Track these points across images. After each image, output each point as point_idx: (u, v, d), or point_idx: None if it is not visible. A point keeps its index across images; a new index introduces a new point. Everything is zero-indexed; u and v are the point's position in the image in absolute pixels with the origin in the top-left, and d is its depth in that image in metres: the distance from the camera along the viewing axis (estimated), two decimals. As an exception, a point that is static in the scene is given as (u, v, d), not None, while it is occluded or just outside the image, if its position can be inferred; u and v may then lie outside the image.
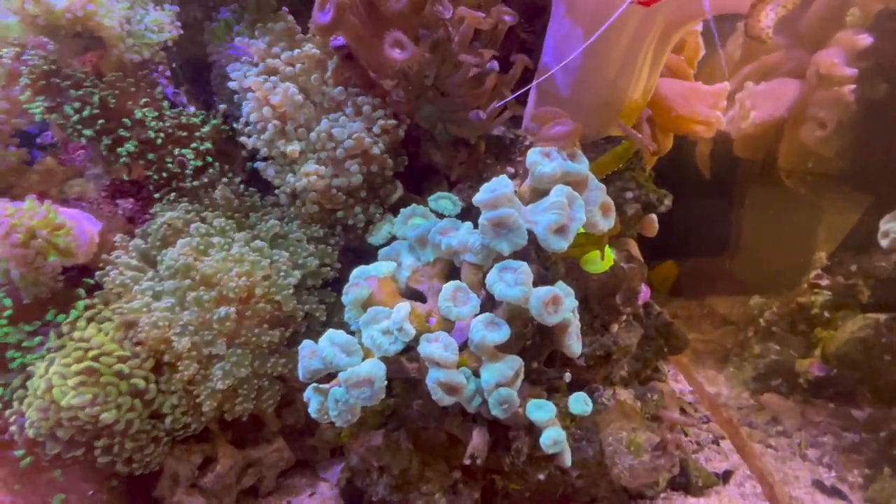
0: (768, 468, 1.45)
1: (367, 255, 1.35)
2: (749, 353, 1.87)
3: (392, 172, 1.35)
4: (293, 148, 1.19)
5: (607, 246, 1.18)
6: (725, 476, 1.44)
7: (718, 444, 1.58)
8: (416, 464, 1.26)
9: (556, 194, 1.01)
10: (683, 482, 1.40)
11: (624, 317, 1.41)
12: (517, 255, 1.04)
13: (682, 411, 1.78)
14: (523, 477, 1.27)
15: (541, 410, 1.04)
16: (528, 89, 1.30)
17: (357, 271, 1.16)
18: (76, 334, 1.08)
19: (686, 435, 1.62)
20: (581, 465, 1.25)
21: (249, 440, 1.33)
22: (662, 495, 1.37)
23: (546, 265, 1.10)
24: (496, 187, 1.02)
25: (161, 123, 1.21)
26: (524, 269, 1.00)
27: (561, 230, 1.01)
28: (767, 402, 1.71)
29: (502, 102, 1.17)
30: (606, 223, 1.10)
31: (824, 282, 1.74)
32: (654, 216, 1.45)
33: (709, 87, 1.52)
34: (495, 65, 1.13)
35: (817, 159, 1.78)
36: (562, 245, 1.01)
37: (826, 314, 1.70)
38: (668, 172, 1.56)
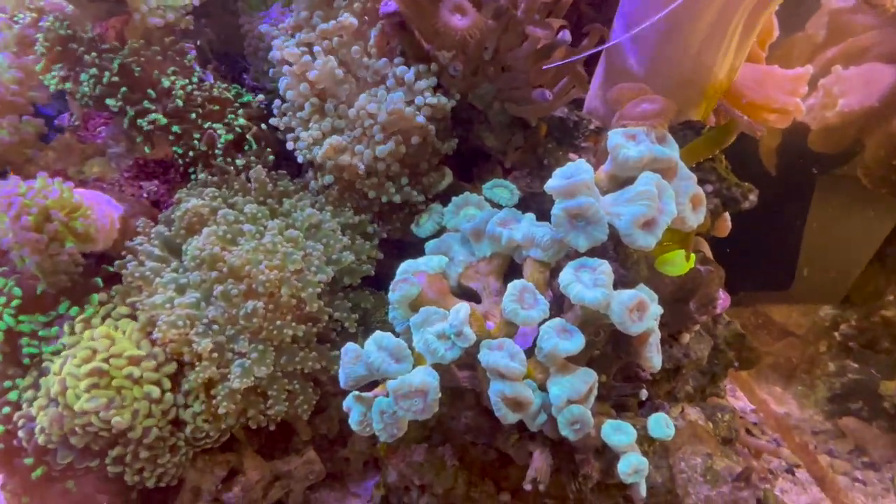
0: (858, 504, 1.27)
1: (410, 247, 1.22)
2: (822, 371, 1.68)
3: (438, 159, 1.21)
4: (310, 133, 1.06)
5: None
6: (808, 511, 1.27)
7: (794, 474, 1.41)
8: (461, 483, 1.13)
9: (643, 183, 0.86)
10: (760, 516, 1.23)
11: (697, 326, 1.25)
12: (593, 251, 0.90)
13: (748, 433, 1.61)
14: (582, 504, 1.12)
15: (620, 434, 0.89)
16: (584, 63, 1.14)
17: (405, 265, 1.03)
18: (86, 333, 0.97)
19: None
20: (649, 494, 1.09)
21: (278, 450, 1.21)
22: (737, 530, 1.20)
23: (626, 264, 0.95)
24: (573, 173, 0.88)
25: (192, 94, 1.09)
26: (605, 269, 0.86)
27: (649, 224, 0.86)
28: (847, 428, 1.53)
29: (552, 63, 0.99)
30: (696, 219, 0.94)
31: (915, 293, 1.54)
32: (727, 215, 1.29)
33: (787, 72, 1.35)
34: (567, 36, 0.99)
35: (908, 155, 1.58)
36: (649, 242, 0.86)
37: (918, 330, 1.51)
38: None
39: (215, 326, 1.01)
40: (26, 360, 1.01)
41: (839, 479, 1.35)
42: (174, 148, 1.08)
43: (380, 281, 1.25)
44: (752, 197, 1.21)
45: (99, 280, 1.01)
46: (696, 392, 1.36)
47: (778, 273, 2.01)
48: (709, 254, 1.29)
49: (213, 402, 1.00)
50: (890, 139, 1.57)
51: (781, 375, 1.84)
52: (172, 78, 1.09)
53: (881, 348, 1.58)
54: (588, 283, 0.85)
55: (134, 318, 1.01)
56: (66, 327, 0.97)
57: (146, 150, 1.09)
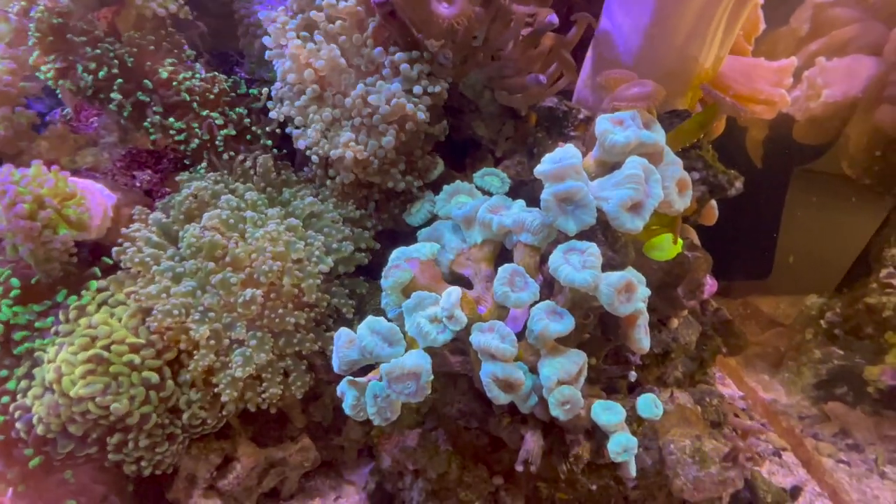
0: (842, 485, 1.30)
1: (402, 237, 1.23)
2: (808, 358, 1.71)
3: (431, 145, 1.22)
4: (315, 128, 1.06)
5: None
6: (794, 493, 1.29)
7: (780, 457, 1.44)
8: (454, 468, 1.14)
9: (630, 166, 0.88)
10: (748, 497, 1.26)
11: (685, 311, 1.27)
12: (582, 235, 0.91)
13: (736, 417, 1.64)
14: (573, 486, 1.14)
15: (610, 413, 0.91)
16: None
17: (397, 252, 1.04)
18: (83, 320, 0.98)
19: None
20: (638, 475, 1.11)
21: (272, 438, 1.22)
22: (725, 512, 1.23)
23: (615, 247, 0.97)
24: (562, 157, 0.89)
25: (193, 85, 1.09)
26: (593, 251, 0.87)
27: (636, 207, 0.88)
28: (833, 412, 1.56)
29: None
30: (682, 202, 0.96)
31: (897, 280, 1.58)
32: (714, 203, 1.32)
33: (773, 64, 1.38)
34: (554, 18, 1.00)
35: (890, 145, 1.62)
36: (636, 224, 0.88)
37: (901, 316, 1.54)
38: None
39: (211, 314, 1.01)
40: (19, 349, 1.01)
41: (825, 461, 1.38)
42: (177, 138, 1.08)
43: (372, 270, 1.26)
44: (738, 184, 1.23)
45: (97, 270, 1.02)
46: (685, 377, 1.38)
47: (756, 263, 2.05)
48: (696, 241, 1.31)
49: (215, 390, 1.01)
50: (873, 129, 1.60)
51: (769, 364, 1.87)
52: (171, 69, 1.09)
53: (865, 334, 1.62)
54: (577, 265, 0.87)
55: (128, 306, 1.01)
56: (61, 315, 0.97)
57: (151, 138, 1.08)
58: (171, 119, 1.10)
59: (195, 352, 1.00)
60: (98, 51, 1.04)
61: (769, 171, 1.88)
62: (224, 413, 1.07)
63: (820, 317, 1.76)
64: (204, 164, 1.12)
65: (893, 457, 1.39)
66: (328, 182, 1.18)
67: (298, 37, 1.08)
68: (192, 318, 0.99)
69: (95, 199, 1.00)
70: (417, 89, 1.07)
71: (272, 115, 1.15)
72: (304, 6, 1.11)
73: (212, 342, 0.99)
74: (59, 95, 1.23)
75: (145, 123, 1.08)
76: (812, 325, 1.77)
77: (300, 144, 1.14)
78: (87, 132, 1.16)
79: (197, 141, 1.10)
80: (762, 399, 1.68)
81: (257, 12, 1.20)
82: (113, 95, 1.06)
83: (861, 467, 1.37)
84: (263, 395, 1.05)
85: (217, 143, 1.14)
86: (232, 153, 1.16)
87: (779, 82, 1.35)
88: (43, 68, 1.04)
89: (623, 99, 0.90)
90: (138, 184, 1.11)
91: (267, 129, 1.22)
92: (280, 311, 1.05)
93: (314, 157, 1.14)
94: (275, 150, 1.25)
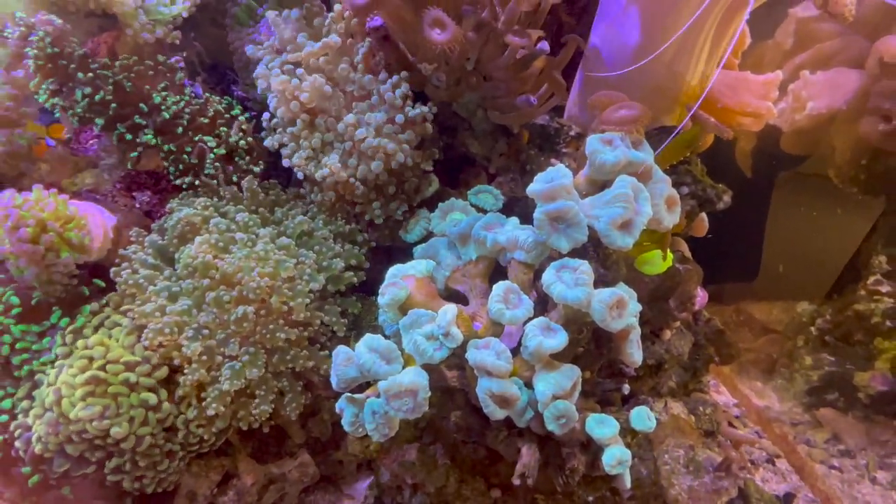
0: (835, 492, 1.32)
1: (398, 254, 1.25)
2: (800, 365, 1.74)
3: (424, 167, 1.25)
4: (304, 152, 1.09)
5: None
6: (787, 499, 1.31)
7: (774, 464, 1.46)
8: (452, 481, 1.15)
9: (619, 185, 0.91)
10: (742, 505, 1.28)
11: (677, 323, 1.30)
12: (574, 253, 0.94)
13: (730, 426, 1.66)
14: (570, 498, 1.15)
15: (603, 426, 0.93)
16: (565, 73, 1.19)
17: (393, 270, 1.06)
18: (80, 342, 0.99)
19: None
20: (635, 486, 1.14)
21: (271, 454, 1.23)
22: (720, 519, 1.24)
23: (606, 264, 0.99)
24: (553, 177, 0.92)
25: (181, 109, 1.11)
26: (585, 269, 0.89)
27: (626, 225, 0.90)
28: (825, 418, 1.58)
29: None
30: (671, 219, 0.99)
31: (885, 288, 1.61)
32: (704, 215, 1.35)
33: (759, 77, 1.41)
34: (546, 46, 1.03)
35: (875, 154, 1.66)
36: (627, 242, 0.90)
37: (888, 323, 1.57)
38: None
39: (205, 331, 1.02)
40: (18, 372, 1.02)
41: (817, 468, 1.40)
42: (165, 163, 1.10)
43: (370, 286, 1.28)
44: (727, 198, 1.26)
45: (85, 289, 1.03)
46: (678, 387, 1.40)
47: (743, 267, 2.08)
48: (687, 253, 1.34)
49: (203, 404, 1.02)
50: (857, 140, 1.64)
51: (762, 370, 1.89)
52: (164, 94, 1.11)
53: (854, 341, 1.65)
54: (569, 282, 0.89)
55: (124, 326, 1.02)
56: (57, 338, 0.98)
57: (129, 165, 1.11)
58: (158, 140, 1.10)
59: (187, 367, 1.01)
60: (92, 75, 1.06)
61: (756, 179, 1.92)
62: (220, 430, 1.08)
63: (811, 323, 1.78)
64: (196, 191, 1.14)
65: (884, 462, 1.41)
66: (317, 198, 1.20)
67: (283, 71, 1.11)
68: (185, 336, 1.00)
69: (96, 221, 1.01)
70: (399, 118, 1.08)
71: (266, 143, 1.17)
72: (286, 42, 1.13)
73: (204, 358, 1.00)
74: (58, 117, 1.24)
75: (138, 148, 1.09)
76: (803, 332, 1.80)
77: (286, 163, 1.17)
78: (86, 154, 1.18)
79: (181, 166, 1.12)
80: (755, 406, 1.70)
81: (247, 47, 1.22)
82: (98, 121, 1.07)
83: (853, 473, 1.39)
84: (254, 412, 1.06)
85: (206, 165, 1.15)
86: (221, 172, 1.17)
87: (765, 95, 1.38)
88: (41, 91, 1.06)
89: (611, 122, 0.93)
90: (138, 205, 1.12)
91: (254, 152, 1.23)
92: (271, 326, 1.06)
93: (300, 175, 1.17)
94: (256, 169, 1.26)
